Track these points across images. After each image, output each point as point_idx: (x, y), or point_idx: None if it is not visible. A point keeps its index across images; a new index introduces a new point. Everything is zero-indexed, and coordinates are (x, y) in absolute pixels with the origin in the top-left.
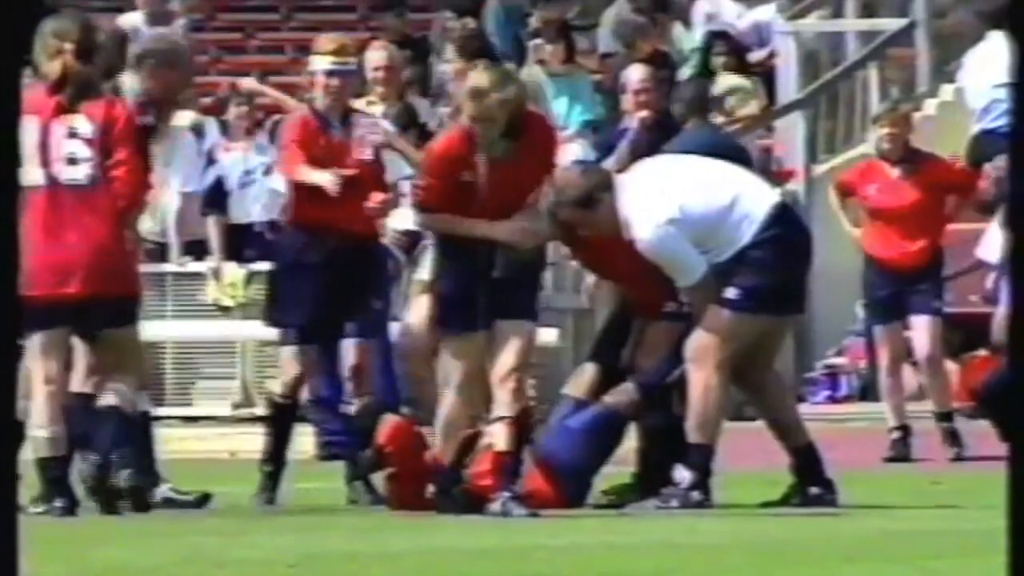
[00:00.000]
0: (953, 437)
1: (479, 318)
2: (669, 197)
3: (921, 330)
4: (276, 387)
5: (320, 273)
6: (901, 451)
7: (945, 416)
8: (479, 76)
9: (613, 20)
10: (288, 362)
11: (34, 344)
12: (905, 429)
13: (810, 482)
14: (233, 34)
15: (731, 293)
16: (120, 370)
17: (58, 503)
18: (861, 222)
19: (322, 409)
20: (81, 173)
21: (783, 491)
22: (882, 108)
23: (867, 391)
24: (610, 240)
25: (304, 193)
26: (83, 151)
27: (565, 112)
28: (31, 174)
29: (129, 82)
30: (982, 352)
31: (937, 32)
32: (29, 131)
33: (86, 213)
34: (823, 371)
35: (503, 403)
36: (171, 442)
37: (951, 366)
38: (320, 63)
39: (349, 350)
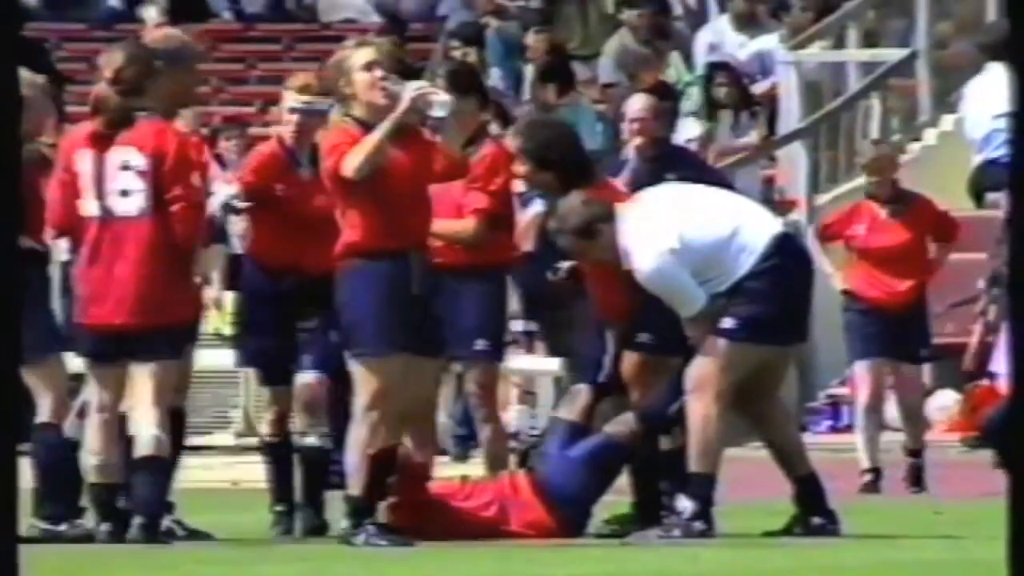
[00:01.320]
0: (916, 475)
1: (398, 340)
2: (669, 227)
3: (904, 377)
4: (263, 427)
5: (275, 309)
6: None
7: (914, 452)
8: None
9: (616, 50)
10: (268, 399)
11: (89, 372)
12: (877, 472)
13: (812, 512)
14: (234, 65)
15: (728, 323)
16: (158, 397)
17: (104, 527)
18: (842, 263)
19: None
20: (133, 205)
21: (785, 521)
22: (867, 155)
23: None
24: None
25: (264, 231)
26: (135, 183)
27: None
28: (88, 206)
29: None
30: (984, 382)
31: (938, 63)
32: (84, 163)
33: (136, 244)
34: (825, 401)
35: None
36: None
37: (954, 396)
38: (286, 98)
39: (303, 383)
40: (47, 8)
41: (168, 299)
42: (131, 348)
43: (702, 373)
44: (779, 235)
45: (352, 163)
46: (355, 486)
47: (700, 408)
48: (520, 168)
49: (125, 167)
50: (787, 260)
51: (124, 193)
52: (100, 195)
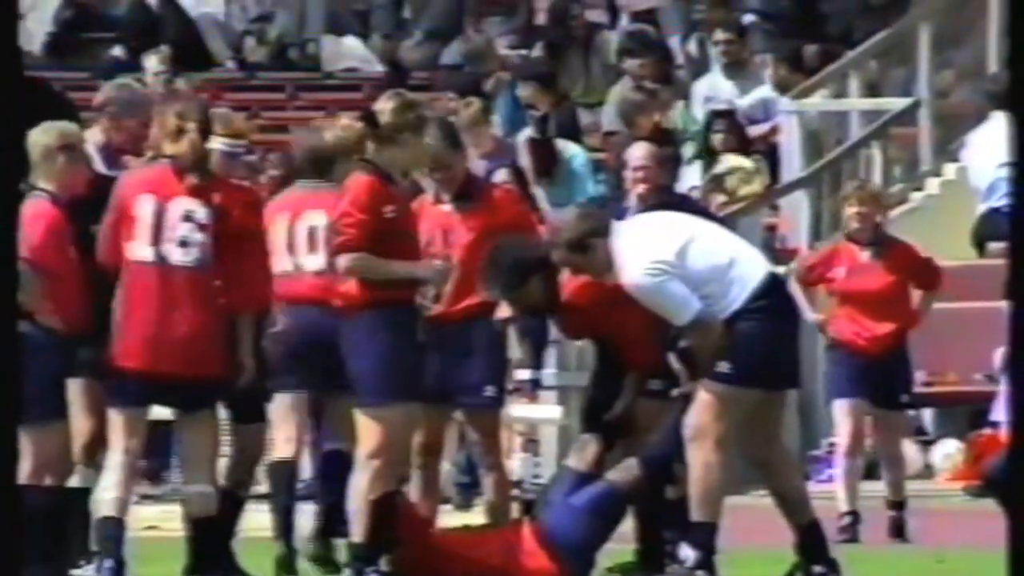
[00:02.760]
0: (899, 528)
1: (403, 389)
2: (666, 244)
3: (884, 423)
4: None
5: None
6: (851, 537)
7: (896, 504)
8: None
9: (618, 99)
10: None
11: (118, 415)
12: (855, 515)
13: (814, 560)
14: (237, 114)
15: (723, 367)
16: (204, 451)
17: (107, 563)
18: (824, 308)
19: (324, 484)
20: (191, 256)
21: (787, 569)
22: (850, 187)
23: (872, 469)
24: (600, 296)
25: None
26: (196, 235)
27: (569, 190)
28: (139, 250)
29: (89, 133)
30: (987, 431)
31: (940, 112)
32: (145, 209)
33: (191, 295)
34: (828, 449)
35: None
36: (177, 520)
37: (957, 445)
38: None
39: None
40: (50, 57)
41: (219, 352)
42: (174, 398)
43: (700, 421)
44: (771, 275)
45: (348, 266)
46: (357, 533)
47: (701, 456)
48: (511, 312)
49: (187, 218)
50: (779, 302)
51: (183, 243)
52: (156, 241)
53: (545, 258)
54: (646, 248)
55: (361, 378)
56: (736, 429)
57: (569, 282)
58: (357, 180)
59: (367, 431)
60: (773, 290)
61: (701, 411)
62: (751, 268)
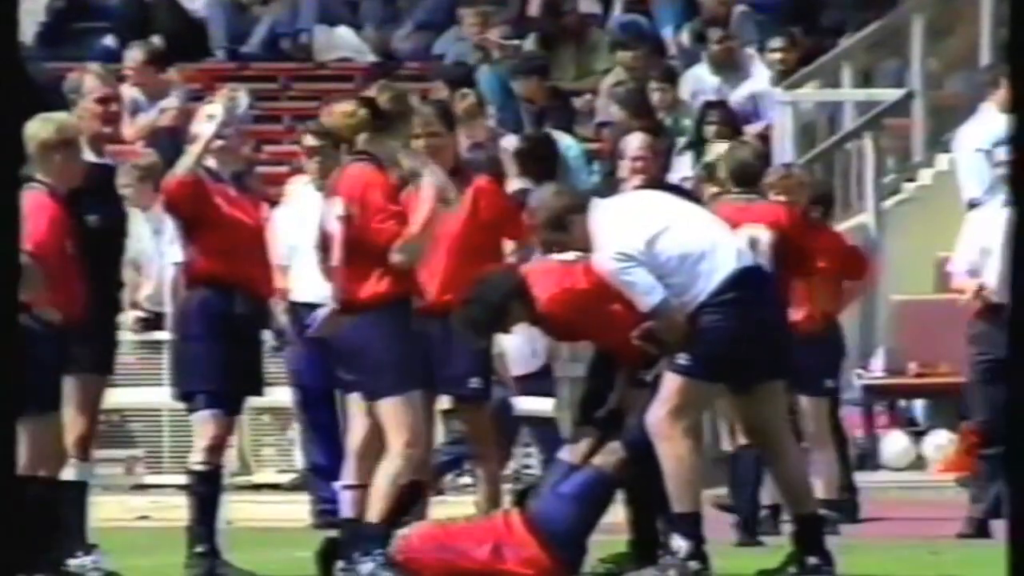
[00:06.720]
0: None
1: (420, 377)
2: (637, 232)
3: (807, 409)
4: (195, 456)
5: (229, 336)
6: (768, 528)
7: (803, 518)
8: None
9: (610, 90)
10: (204, 429)
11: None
12: (776, 508)
13: (809, 551)
14: None
15: (681, 359)
16: None
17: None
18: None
19: (317, 477)
20: None
21: (781, 559)
22: (774, 175)
23: (865, 460)
24: (575, 301)
25: (210, 249)
26: None
27: (564, 183)
28: None
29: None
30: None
31: (933, 103)
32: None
33: None
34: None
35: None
36: (169, 510)
37: (949, 436)
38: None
39: (209, 421)
40: (43, 47)
41: None
42: None
43: (662, 417)
44: (746, 268)
45: (405, 252)
46: (375, 514)
47: (670, 450)
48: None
49: None
50: (748, 296)
51: None
52: None
53: (513, 280)
54: (618, 233)
55: (386, 371)
56: (739, 420)
57: (541, 293)
58: (364, 172)
59: (403, 421)
60: (742, 284)
61: (661, 405)
62: (722, 262)
